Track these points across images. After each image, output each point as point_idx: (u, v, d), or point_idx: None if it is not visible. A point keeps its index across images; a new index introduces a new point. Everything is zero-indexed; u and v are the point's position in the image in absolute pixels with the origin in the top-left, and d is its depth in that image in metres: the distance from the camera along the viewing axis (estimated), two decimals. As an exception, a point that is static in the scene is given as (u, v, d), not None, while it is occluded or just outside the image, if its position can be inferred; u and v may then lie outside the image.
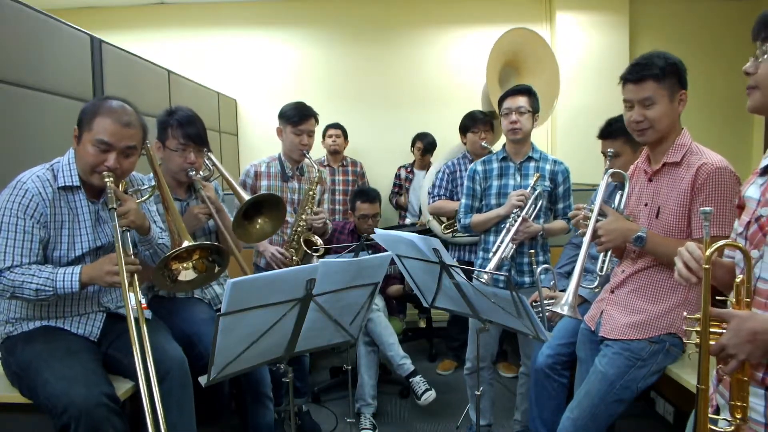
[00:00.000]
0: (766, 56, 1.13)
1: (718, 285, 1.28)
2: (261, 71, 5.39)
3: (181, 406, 1.83)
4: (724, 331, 1.13)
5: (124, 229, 1.76)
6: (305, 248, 2.83)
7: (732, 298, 1.16)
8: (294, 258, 2.83)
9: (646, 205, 1.84)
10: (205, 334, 2.05)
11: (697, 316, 1.16)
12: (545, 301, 2.25)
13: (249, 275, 1.49)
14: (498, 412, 2.84)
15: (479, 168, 2.60)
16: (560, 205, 2.55)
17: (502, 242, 2.40)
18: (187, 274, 1.88)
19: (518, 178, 2.52)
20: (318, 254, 2.84)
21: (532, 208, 2.44)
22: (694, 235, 1.70)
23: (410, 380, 2.89)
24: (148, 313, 2.06)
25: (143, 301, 2.21)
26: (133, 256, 1.77)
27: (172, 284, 1.87)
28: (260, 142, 5.29)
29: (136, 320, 1.62)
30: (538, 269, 2.28)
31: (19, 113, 2.19)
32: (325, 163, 4.48)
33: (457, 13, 5.35)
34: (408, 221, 4.54)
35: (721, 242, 1.16)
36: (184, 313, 2.19)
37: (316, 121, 2.88)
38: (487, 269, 2.34)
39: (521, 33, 3.84)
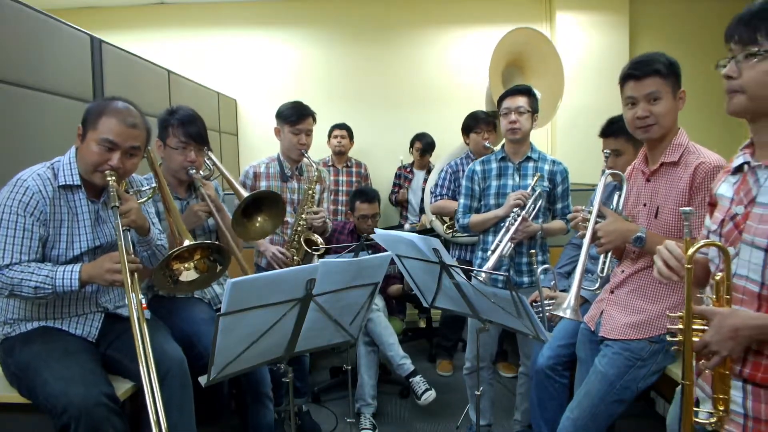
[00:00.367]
0: (754, 59, 1.13)
1: (693, 281, 1.30)
2: (261, 71, 5.39)
3: (181, 406, 1.83)
4: (705, 328, 1.16)
5: (124, 228, 1.77)
6: (306, 248, 2.83)
7: (712, 295, 1.19)
8: (295, 258, 2.83)
9: (644, 205, 1.84)
10: (205, 334, 2.05)
11: (680, 314, 1.18)
12: (545, 301, 2.26)
13: (249, 275, 1.49)
14: (498, 412, 2.84)
15: (478, 168, 2.60)
16: (559, 206, 2.55)
17: (501, 241, 2.40)
18: (188, 274, 1.88)
19: (517, 179, 2.52)
20: (318, 253, 2.83)
21: (531, 208, 2.44)
22: (693, 234, 1.70)
23: (410, 380, 2.89)
24: (147, 313, 2.05)
25: (143, 301, 2.22)
26: (132, 256, 1.77)
27: (173, 285, 1.87)
28: (260, 142, 5.29)
29: (137, 320, 1.61)
30: (538, 269, 2.29)
31: (19, 113, 2.20)
32: (330, 164, 4.48)
33: (457, 13, 5.35)
34: (408, 222, 4.53)
35: (703, 241, 1.19)
36: (184, 313, 2.19)
37: (314, 120, 2.88)
38: (485, 267, 2.35)
39: (525, 32, 3.83)
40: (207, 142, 2.31)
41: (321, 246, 2.85)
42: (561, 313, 1.71)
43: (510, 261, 2.49)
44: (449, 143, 4.10)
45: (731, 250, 1.19)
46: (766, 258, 1.12)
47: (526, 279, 2.51)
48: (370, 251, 3.05)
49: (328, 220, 2.94)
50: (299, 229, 2.84)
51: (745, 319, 1.12)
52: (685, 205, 1.71)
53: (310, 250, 2.83)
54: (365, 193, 3.42)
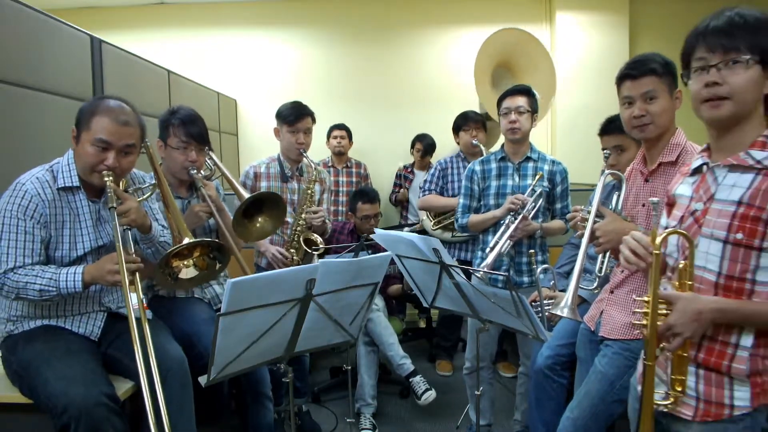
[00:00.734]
0: (736, 65, 1.19)
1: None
2: (261, 71, 5.39)
3: (181, 406, 1.83)
4: (668, 312, 1.25)
5: (125, 227, 1.77)
6: (305, 248, 2.83)
7: (675, 281, 1.28)
8: (295, 258, 2.83)
9: (643, 205, 1.84)
10: (205, 334, 2.05)
11: (645, 298, 1.27)
12: (545, 301, 2.26)
13: (249, 275, 1.49)
14: (498, 412, 2.84)
15: (477, 168, 2.60)
16: (558, 206, 2.56)
17: (500, 238, 2.40)
18: (188, 271, 1.88)
19: (516, 179, 2.52)
20: (318, 253, 2.84)
21: (531, 207, 2.44)
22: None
23: (410, 380, 2.89)
24: (148, 313, 2.06)
25: (144, 301, 2.22)
26: (134, 254, 1.77)
27: (173, 282, 1.88)
28: (260, 142, 5.29)
29: (138, 320, 1.62)
30: (538, 269, 2.29)
31: (19, 113, 2.20)
32: (330, 164, 4.48)
33: (457, 13, 5.35)
34: (408, 222, 4.53)
35: (669, 230, 1.28)
36: (184, 313, 2.19)
37: (313, 120, 2.88)
38: (483, 264, 2.35)
39: (512, 33, 3.85)
40: (208, 142, 2.31)
41: (321, 246, 2.85)
42: (558, 312, 1.71)
43: (510, 261, 2.49)
44: (449, 144, 4.10)
45: None
46: (724, 249, 1.22)
47: (526, 279, 2.52)
48: (370, 251, 3.05)
49: (327, 221, 2.94)
50: (299, 229, 2.84)
51: (707, 303, 1.21)
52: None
53: (309, 250, 2.83)
54: (366, 194, 3.42)
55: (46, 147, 2.26)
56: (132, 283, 1.69)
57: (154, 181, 2.01)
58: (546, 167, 2.52)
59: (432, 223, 3.56)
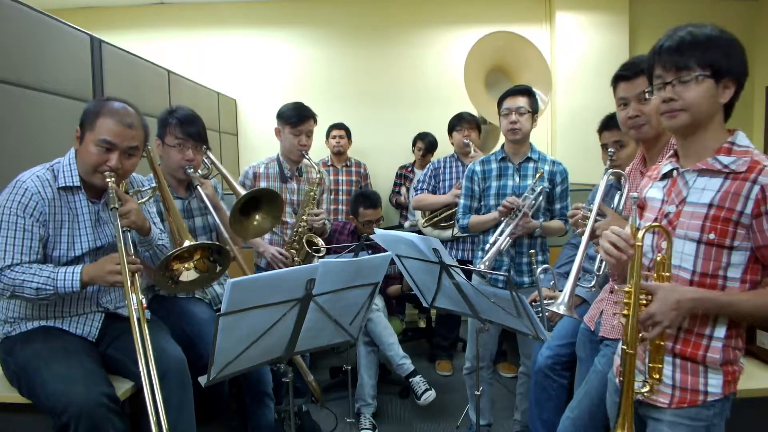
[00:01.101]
0: (690, 82, 1.29)
1: (621, 273, 1.45)
2: (261, 71, 5.39)
3: (181, 405, 1.83)
4: (645, 301, 1.31)
5: (124, 229, 1.76)
6: (307, 248, 2.84)
7: (653, 274, 1.35)
8: (296, 258, 2.83)
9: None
10: (205, 334, 2.05)
11: (627, 288, 1.33)
12: (545, 301, 2.25)
13: (249, 275, 1.49)
14: (498, 412, 2.84)
15: (477, 168, 2.60)
16: (557, 206, 2.55)
17: (501, 234, 2.40)
18: (188, 274, 1.88)
19: (517, 179, 2.52)
20: (319, 255, 2.84)
21: (532, 204, 2.44)
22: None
23: (410, 380, 2.89)
24: (147, 314, 2.05)
25: (144, 301, 2.21)
26: (133, 256, 1.77)
27: (173, 285, 1.87)
28: (260, 142, 5.29)
29: (138, 320, 1.61)
30: (538, 269, 2.28)
31: (19, 113, 2.20)
32: (329, 163, 4.48)
33: (457, 13, 5.36)
34: (408, 222, 4.54)
35: (649, 224, 1.36)
36: (185, 313, 2.19)
37: (315, 121, 2.88)
38: (484, 259, 2.35)
39: (500, 36, 3.87)
40: (205, 140, 2.31)
41: (321, 247, 2.85)
42: (555, 309, 1.72)
43: (510, 261, 2.49)
44: (448, 143, 4.11)
45: (663, 244, 1.36)
46: (698, 248, 1.31)
47: (526, 279, 2.52)
48: (370, 251, 3.05)
49: (327, 222, 2.95)
50: (300, 230, 2.84)
51: (686, 293, 1.30)
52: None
53: (310, 251, 2.84)
54: (368, 198, 3.35)
55: (46, 147, 2.26)
56: (132, 284, 1.68)
57: (153, 185, 2.01)
58: (546, 167, 2.52)
59: (423, 221, 3.58)
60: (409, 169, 4.73)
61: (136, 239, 1.90)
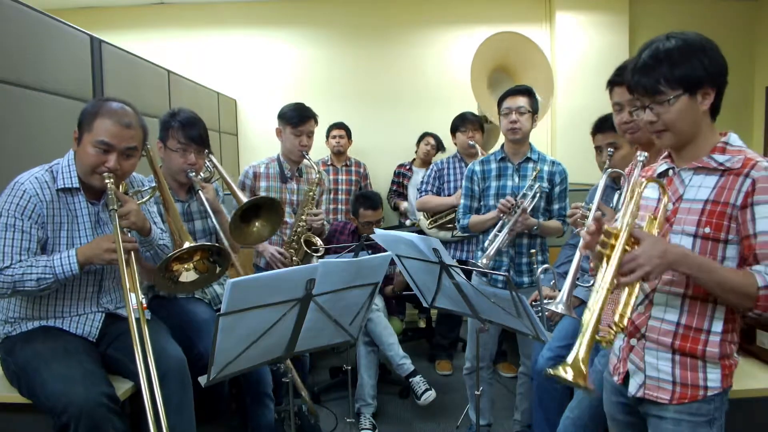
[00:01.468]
0: (670, 102, 1.31)
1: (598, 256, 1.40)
2: (261, 71, 5.39)
3: (181, 406, 1.83)
4: (629, 249, 1.29)
5: (124, 230, 1.76)
6: (305, 248, 2.84)
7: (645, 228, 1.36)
8: (294, 258, 2.83)
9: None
10: (205, 334, 2.05)
11: (615, 225, 1.32)
12: (545, 301, 2.25)
13: (249, 275, 1.49)
14: (498, 412, 2.84)
15: (477, 168, 2.60)
16: (555, 206, 2.55)
17: (500, 231, 2.40)
18: (188, 275, 1.88)
19: (516, 179, 2.52)
20: (318, 254, 2.84)
21: (530, 201, 2.44)
22: None
23: (410, 380, 2.89)
24: (147, 314, 2.06)
25: (143, 301, 2.22)
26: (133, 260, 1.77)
27: (173, 285, 1.87)
28: (260, 142, 5.29)
29: (137, 320, 1.61)
30: (539, 269, 2.28)
31: (19, 113, 2.20)
32: (329, 163, 4.48)
33: (457, 13, 5.35)
34: (409, 221, 4.53)
35: (648, 177, 1.41)
36: (185, 314, 2.19)
37: (316, 122, 2.89)
38: (485, 255, 2.36)
39: (505, 37, 3.87)
40: (207, 144, 2.31)
41: (320, 247, 2.85)
42: (553, 308, 1.72)
43: (510, 261, 2.49)
44: (449, 143, 4.11)
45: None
46: (694, 242, 1.34)
47: (526, 279, 2.52)
48: (370, 251, 3.05)
49: (326, 222, 2.95)
50: (299, 230, 2.84)
51: (673, 246, 1.30)
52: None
53: (309, 251, 2.84)
54: (369, 199, 3.35)
55: (46, 147, 2.26)
56: (131, 283, 1.68)
57: (153, 185, 2.01)
58: (546, 168, 2.52)
59: (428, 223, 3.57)
60: (408, 167, 4.71)
61: (137, 239, 1.90)
